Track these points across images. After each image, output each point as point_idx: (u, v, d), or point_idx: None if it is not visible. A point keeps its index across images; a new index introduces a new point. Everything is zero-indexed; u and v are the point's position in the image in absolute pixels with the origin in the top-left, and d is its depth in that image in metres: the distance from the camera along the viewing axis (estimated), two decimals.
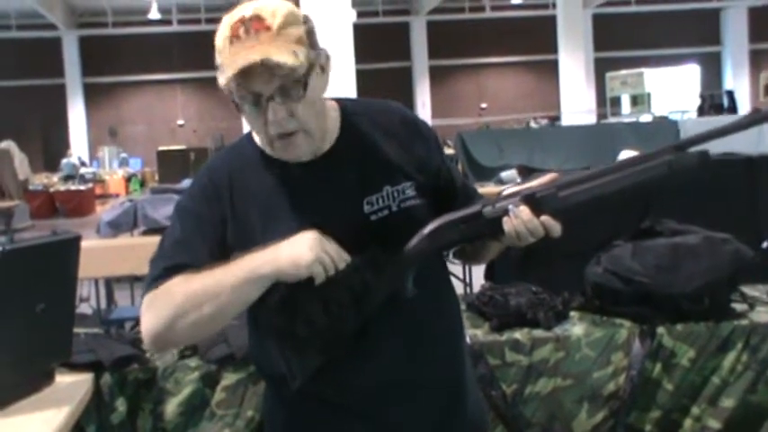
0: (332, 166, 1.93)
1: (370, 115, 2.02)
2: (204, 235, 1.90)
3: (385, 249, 1.85)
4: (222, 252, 1.87)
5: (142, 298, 1.90)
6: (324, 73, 1.89)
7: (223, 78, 1.77)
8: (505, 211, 1.84)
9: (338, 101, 2.02)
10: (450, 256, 2.06)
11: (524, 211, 1.83)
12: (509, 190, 1.89)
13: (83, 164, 26.39)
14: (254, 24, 1.77)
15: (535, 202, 1.84)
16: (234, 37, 1.77)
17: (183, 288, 1.82)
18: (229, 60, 1.76)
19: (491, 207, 1.87)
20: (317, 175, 1.91)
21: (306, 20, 1.85)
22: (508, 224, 1.84)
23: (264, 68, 1.74)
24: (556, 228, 1.85)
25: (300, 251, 1.76)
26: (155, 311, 1.85)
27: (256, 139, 1.96)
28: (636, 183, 1.84)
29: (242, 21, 1.78)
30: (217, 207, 1.92)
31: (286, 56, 1.75)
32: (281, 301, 1.80)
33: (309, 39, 1.83)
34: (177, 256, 1.89)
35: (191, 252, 1.88)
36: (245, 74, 1.75)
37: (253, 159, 1.96)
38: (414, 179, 1.96)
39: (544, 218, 1.83)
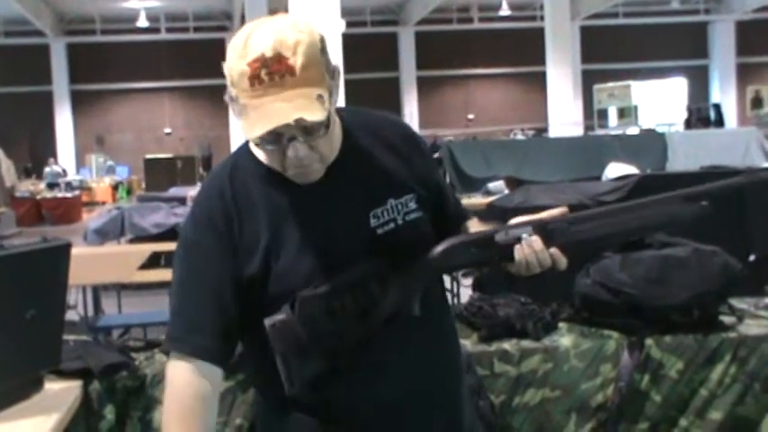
0: (337, 180, 1.90)
1: (371, 128, 2.00)
2: (210, 277, 1.89)
3: (391, 262, 1.85)
4: (234, 285, 1.87)
5: (167, 351, 1.93)
6: (337, 89, 1.85)
7: (249, 128, 1.72)
8: (518, 239, 1.85)
9: (337, 111, 1.97)
10: (460, 277, 2.06)
11: (537, 241, 1.84)
12: (518, 219, 1.90)
13: (63, 172, 26.27)
14: (275, 66, 1.69)
15: (547, 233, 1.85)
16: (254, 78, 1.70)
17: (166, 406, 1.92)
18: (254, 104, 1.71)
19: (504, 233, 1.87)
20: (323, 189, 1.89)
21: (322, 44, 1.78)
22: (519, 252, 1.84)
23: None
24: (562, 261, 1.86)
25: None
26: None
27: (256, 152, 1.93)
28: (645, 226, 1.89)
29: (262, 61, 1.70)
30: (227, 238, 1.89)
31: (317, 111, 1.71)
32: (289, 305, 1.80)
33: (327, 68, 1.78)
34: (190, 308, 1.90)
35: (202, 303, 1.88)
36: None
37: (256, 174, 1.92)
38: (415, 192, 1.95)
39: (553, 250, 1.84)
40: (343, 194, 1.91)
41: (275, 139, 1.77)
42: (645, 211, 1.85)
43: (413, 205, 1.94)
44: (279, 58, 1.70)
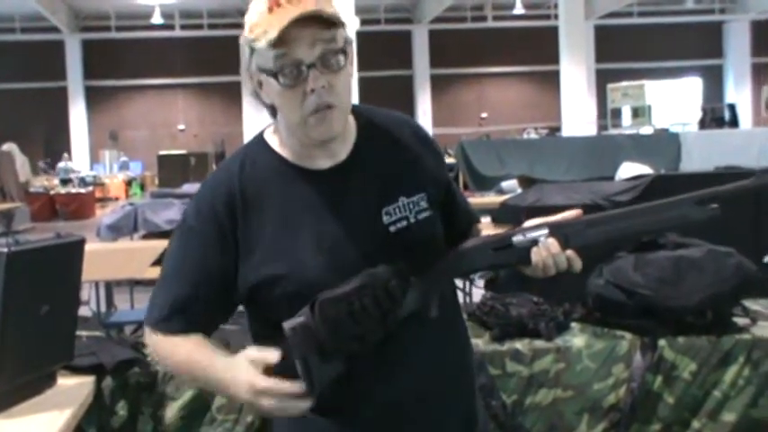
0: (350, 174, 1.89)
1: (385, 126, 1.99)
2: (206, 263, 1.88)
3: (406, 261, 1.82)
4: (225, 278, 1.87)
5: (146, 326, 1.94)
6: (350, 61, 1.85)
7: (264, 42, 1.71)
8: (535, 242, 1.85)
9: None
10: (478, 281, 2.04)
11: (554, 243, 1.82)
12: (533, 221, 1.89)
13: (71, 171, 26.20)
14: None
15: (563, 236, 1.85)
16: (274, 5, 1.72)
17: (178, 363, 1.90)
18: (272, 22, 1.71)
19: (521, 236, 1.86)
20: (335, 183, 1.88)
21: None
22: (536, 255, 1.83)
23: (308, 32, 1.71)
24: (578, 263, 1.85)
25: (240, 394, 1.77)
26: (160, 360, 1.98)
27: (271, 142, 1.92)
28: (656, 229, 1.91)
29: None
30: (229, 230, 1.86)
31: (336, 12, 1.73)
32: (309, 308, 1.77)
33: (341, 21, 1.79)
34: (177, 289, 1.90)
35: (190, 286, 1.88)
36: (287, 41, 1.71)
37: (268, 165, 1.90)
38: (426, 191, 1.94)
39: (569, 252, 1.83)
40: (355, 190, 1.88)
41: (294, 70, 1.75)
42: (658, 215, 1.86)
43: (424, 204, 1.92)
44: None
